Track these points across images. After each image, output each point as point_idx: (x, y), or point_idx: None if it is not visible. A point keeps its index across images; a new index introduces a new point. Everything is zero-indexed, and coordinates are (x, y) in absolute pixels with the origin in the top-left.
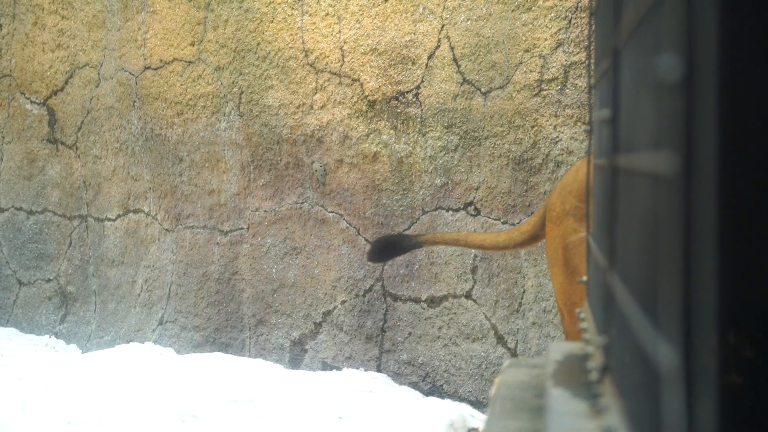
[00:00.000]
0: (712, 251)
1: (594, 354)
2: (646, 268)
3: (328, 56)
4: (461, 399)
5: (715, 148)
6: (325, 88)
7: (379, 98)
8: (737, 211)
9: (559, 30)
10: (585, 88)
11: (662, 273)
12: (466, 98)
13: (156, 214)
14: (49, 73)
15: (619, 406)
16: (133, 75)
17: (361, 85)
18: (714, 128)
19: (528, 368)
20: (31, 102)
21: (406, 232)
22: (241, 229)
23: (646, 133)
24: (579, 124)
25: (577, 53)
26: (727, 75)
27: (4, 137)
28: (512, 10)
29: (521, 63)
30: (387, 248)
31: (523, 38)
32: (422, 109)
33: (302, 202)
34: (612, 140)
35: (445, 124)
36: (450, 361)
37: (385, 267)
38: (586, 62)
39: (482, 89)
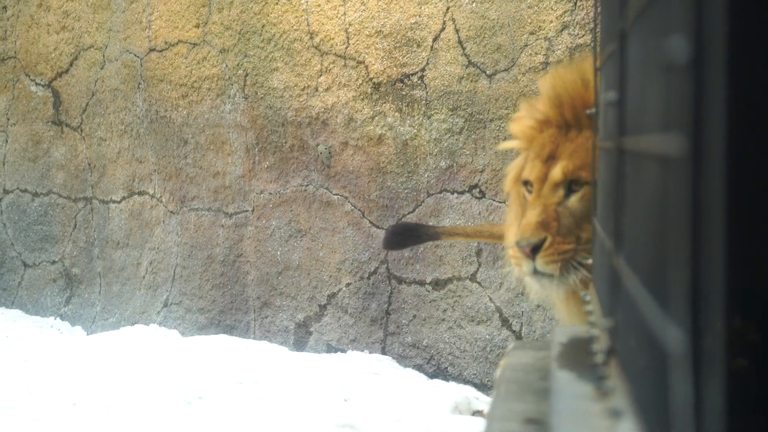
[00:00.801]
0: (720, 235)
1: (599, 337)
2: (653, 251)
3: (333, 38)
4: (466, 381)
5: (724, 130)
6: (330, 70)
7: (384, 81)
8: (746, 194)
9: (565, 12)
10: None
11: (670, 256)
12: (471, 81)
13: (161, 197)
14: (53, 54)
15: (625, 389)
16: (138, 57)
17: (366, 67)
18: (722, 110)
19: (533, 351)
20: (36, 84)
21: (427, 223)
22: (246, 211)
23: (654, 116)
24: None
25: (583, 36)
26: (735, 56)
27: (9, 119)
28: None
29: (526, 45)
30: (402, 236)
31: (529, 20)
32: (427, 92)
33: (307, 185)
34: (618, 123)
35: (450, 107)
36: (455, 343)
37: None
38: (592, 45)
39: (487, 72)
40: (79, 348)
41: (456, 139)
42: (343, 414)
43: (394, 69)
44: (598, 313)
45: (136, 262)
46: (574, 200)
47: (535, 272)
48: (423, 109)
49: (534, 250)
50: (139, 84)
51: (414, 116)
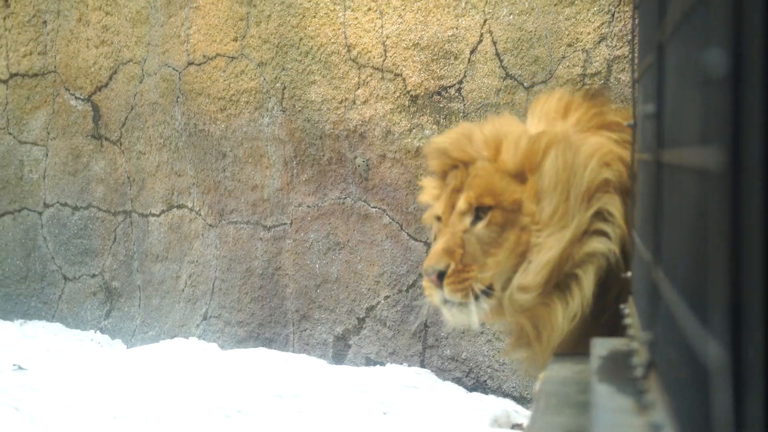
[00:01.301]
0: (759, 247)
1: (639, 350)
2: (692, 264)
3: (370, 51)
4: (505, 395)
5: (763, 143)
6: (367, 83)
7: (422, 93)
8: None
9: (603, 24)
10: (628, 82)
11: (709, 269)
12: (509, 93)
13: (200, 210)
14: (93, 69)
15: (665, 402)
16: (177, 70)
17: (404, 80)
18: (761, 123)
19: (572, 364)
20: (76, 98)
21: None
22: (285, 224)
23: (692, 128)
24: None
25: (621, 47)
26: None
27: (49, 133)
28: (555, 4)
29: (564, 57)
30: None
31: (566, 32)
32: (465, 104)
33: (345, 198)
34: (657, 135)
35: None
36: (494, 356)
37: None
38: (630, 56)
39: (525, 84)
40: (119, 361)
41: None
42: (382, 427)
43: (432, 81)
44: (638, 326)
45: (176, 276)
46: (480, 227)
47: (445, 301)
48: (460, 121)
49: (440, 278)
50: (178, 97)
51: (452, 128)
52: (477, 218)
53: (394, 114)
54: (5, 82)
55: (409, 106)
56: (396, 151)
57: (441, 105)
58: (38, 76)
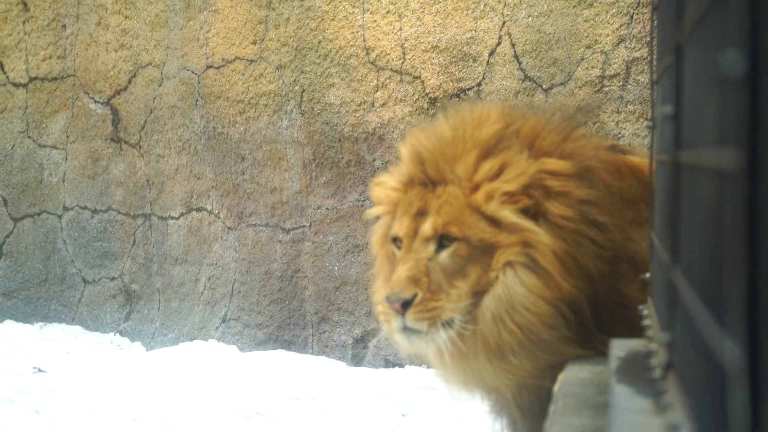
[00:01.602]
0: None
1: (657, 351)
2: (710, 264)
3: (389, 54)
4: None
5: None
6: (386, 85)
7: (441, 95)
8: None
9: (621, 26)
10: (647, 84)
11: (727, 269)
12: (528, 95)
13: (219, 213)
14: (112, 72)
15: (683, 403)
16: (196, 74)
17: (422, 82)
18: None
19: (590, 365)
20: (95, 101)
21: None
22: (304, 227)
23: (710, 129)
24: (641, 120)
25: (639, 49)
26: None
27: (68, 137)
28: (573, 6)
29: (583, 59)
30: None
31: (585, 34)
32: None
33: (364, 200)
34: (675, 136)
35: None
36: None
37: None
38: (648, 58)
39: (544, 86)
40: (138, 364)
41: None
42: (401, 429)
43: (450, 84)
44: (656, 327)
45: (195, 278)
46: (444, 256)
47: (405, 329)
48: None
49: (404, 306)
50: (197, 101)
51: (439, 123)
52: (441, 246)
53: (413, 116)
54: (25, 85)
55: (427, 109)
56: None
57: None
58: (57, 80)
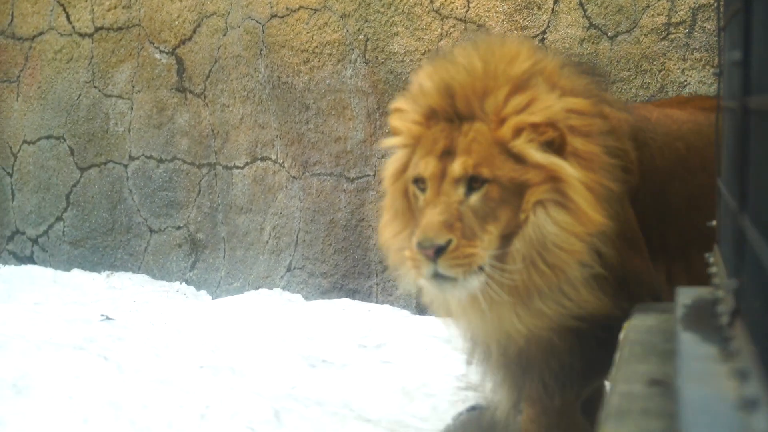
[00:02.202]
0: None
1: (724, 298)
2: None
3: (453, 2)
4: None
5: None
6: (450, 34)
7: None
8: None
9: None
10: (713, 30)
11: None
12: (593, 43)
13: (283, 162)
14: (177, 22)
15: (751, 350)
16: (260, 23)
17: (487, 30)
18: None
19: (656, 313)
20: (160, 51)
21: None
22: (368, 176)
23: None
24: (708, 67)
25: None
26: None
27: (134, 87)
28: None
29: (648, 6)
30: None
31: None
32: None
33: None
34: (743, 82)
35: None
36: None
37: None
38: (715, 4)
39: (609, 33)
40: (204, 312)
41: None
42: (467, 376)
43: (515, 32)
44: (723, 275)
45: (260, 227)
46: (475, 199)
47: (436, 275)
48: None
49: (437, 252)
50: (261, 50)
51: (465, 49)
52: (470, 188)
53: None
54: (90, 35)
55: None
56: None
57: None
58: (123, 30)
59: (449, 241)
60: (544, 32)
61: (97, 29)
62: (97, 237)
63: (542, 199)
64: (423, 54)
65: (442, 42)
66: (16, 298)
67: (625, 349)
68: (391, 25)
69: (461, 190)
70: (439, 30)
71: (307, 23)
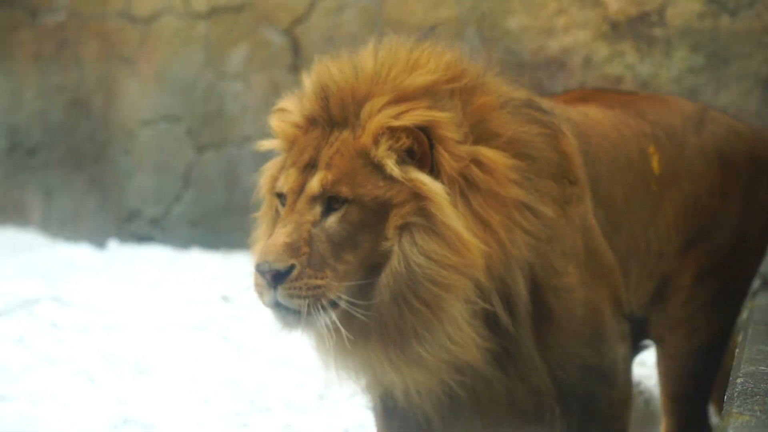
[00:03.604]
0: None
1: None
2: None
3: None
4: None
5: None
6: (567, 11)
7: (623, 20)
8: None
9: None
10: None
11: None
12: (713, 18)
13: None
14: (291, 2)
15: None
16: (375, 2)
17: (605, 6)
18: None
19: None
20: (275, 31)
21: None
22: None
23: None
24: None
25: None
26: None
27: (249, 67)
28: None
29: None
30: None
31: None
32: (667, 30)
33: None
34: None
35: (691, 45)
36: None
37: None
38: None
39: (729, 7)
40: None
41: (697, 78)
42: None
43: (633, 8)
44: None
45: None
46: (332, 221)
47: (278, 305)
48: (663, 47)
49: (276, 278)
50: (376, 29)
51: (654, 55)
52: (329, 208)
53: (595, 42)
54: (205, 17)
55: (609, 34)
56: (596, 80)
57: (643, 31)
58: (237, 11)
59: (291, 267)
60: (663, 7)
61: (213, 10)
62: (214, 217)
63: (407, 222)
64: (539, 31)
65: (558, 19)
66: (135, 279)
67: (749, 330)
68: (506, 2)
69: (317, 210)
70: (556, 7)
71: (422, 1)
